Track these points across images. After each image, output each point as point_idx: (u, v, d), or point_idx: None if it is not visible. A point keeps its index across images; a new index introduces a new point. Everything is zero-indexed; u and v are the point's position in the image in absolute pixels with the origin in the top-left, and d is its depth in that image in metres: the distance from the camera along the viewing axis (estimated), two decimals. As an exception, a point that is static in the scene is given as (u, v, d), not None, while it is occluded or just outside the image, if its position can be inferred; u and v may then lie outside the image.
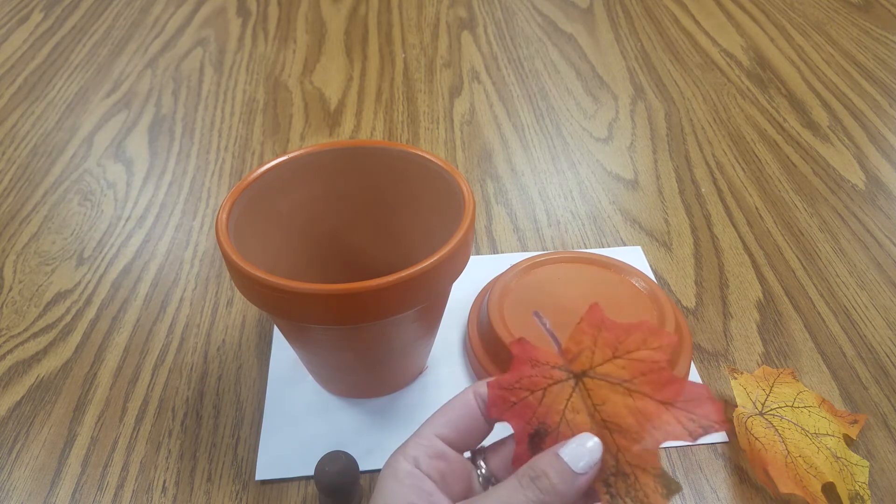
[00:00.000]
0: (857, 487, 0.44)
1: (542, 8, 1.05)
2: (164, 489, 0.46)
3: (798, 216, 0.67)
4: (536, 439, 0.31)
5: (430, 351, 0.52)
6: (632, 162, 0.74)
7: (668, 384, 0.30)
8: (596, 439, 0.30)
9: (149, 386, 0.52)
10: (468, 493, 0.33)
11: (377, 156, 0.50)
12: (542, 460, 0.30)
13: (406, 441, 0.33)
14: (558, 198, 0.70)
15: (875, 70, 0.89)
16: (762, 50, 0.94)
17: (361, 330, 0.42)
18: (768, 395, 0.48)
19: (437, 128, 0.80)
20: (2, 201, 0.70)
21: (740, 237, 0.65)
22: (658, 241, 0.64)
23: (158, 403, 0.51)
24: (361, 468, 0.46)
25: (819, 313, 0.57)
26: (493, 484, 0.34)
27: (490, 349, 0.51)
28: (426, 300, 0.42)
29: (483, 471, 0.34)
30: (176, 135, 0.79)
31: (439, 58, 0.93)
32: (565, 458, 0.29)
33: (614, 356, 0.31)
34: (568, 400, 0.31)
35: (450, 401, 0.34)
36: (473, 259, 0.62)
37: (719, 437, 0.48)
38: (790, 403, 0.47)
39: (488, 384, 0.33)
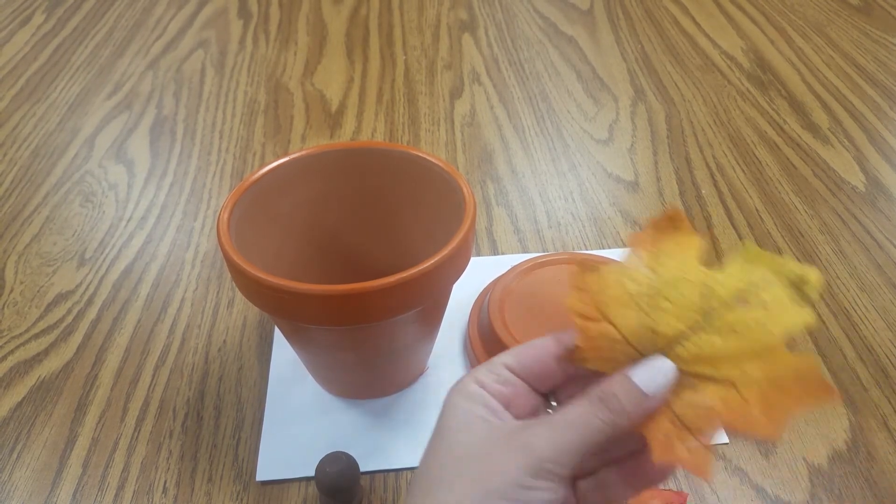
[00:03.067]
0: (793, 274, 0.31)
1: (542, 10, 1.05)
2: (164, 490, 0.46)
3: (798, 218, 0.67)
4: None
5: (430, 352, 0.52)
6: (632, 163, 0.74)
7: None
8: (669, 362, 0.30)
9: (150, 387, 0.52)
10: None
11: (378, 157, 0.50)
12: (612, 382, 0.30)
13: (475, 368, 0.34)
14: (559, 199, 0.70)
15: (875, 72, 0.89)
16: (762, 52, 0.94)
17: (362, 331, 0.42)
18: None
19: (438, 129, 0.80)
20: (3, 202, 0.70)
21: (741, 238, 0.65)
22: (658, 243, 0.64)
23: (159, 404, 0.51)
24: (362, 469, 0.46)
25: (819, 315, 0.57)
26: None
27: (491, 350, 0.51)
28: (427, 301, 0.42)
29: (554, 406, 0.35)
30: (177, 136, 0.79)
31: (440, 59, 0.93)
32: (636, 380, 0.30)
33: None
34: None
35: (529, 342, 0.34)
36: (474, 260, 0.62)
37: (720, 438, 0.48)
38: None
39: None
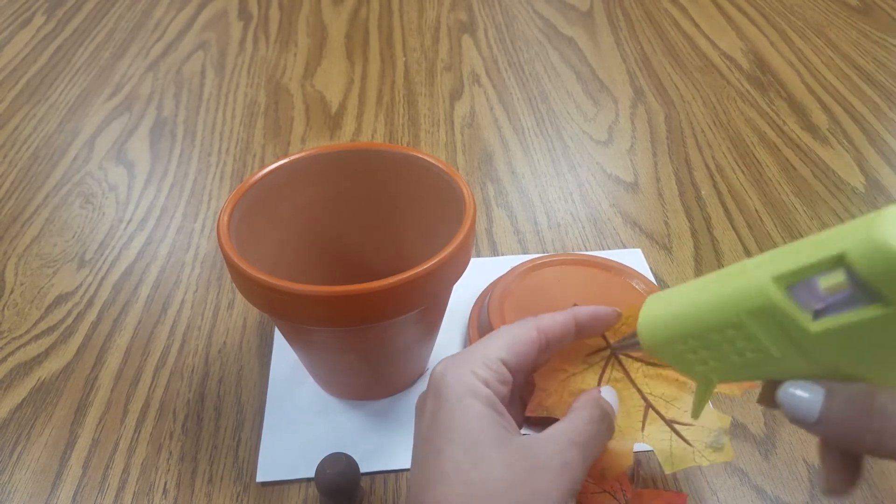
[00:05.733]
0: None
1: (542, 11, 1.06)
2: (165, 491, 0.46)
3: (798, 219, 0.67)
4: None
5: (430, 353, 0.52)
6: (632, 164, 0.74)
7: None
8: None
9: (150, 388, 0.52)
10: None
11: (378, 158, 0.50)
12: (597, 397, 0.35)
13: (467, 356, 0.33)
14: (558, 200, 0.70)
15: (874, 73, 0.89)
16: (762, 53, 0.94)
17: (362, 332, 0.42)
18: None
19: (438, 130, 0.80)
20: (4, 204, 0.70)
21: (740, 240, 0.65)
22: (658, 244, 0.64)
23: (159, 406, 0.51)
24: (362, 470, 0.46)
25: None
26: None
27: (490, 351, 0.51)
28: (427, 302, 0.42)
29: None
30: (177, 138, 0.79)
31: (440, 61, 0.93)
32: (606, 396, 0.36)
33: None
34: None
35: (509, 329, 0.35)
36: (474, 261, 0.62)
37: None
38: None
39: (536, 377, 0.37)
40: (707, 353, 0.29)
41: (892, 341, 0.23)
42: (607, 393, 0.36)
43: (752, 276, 0.26)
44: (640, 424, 0.37)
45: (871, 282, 0.22)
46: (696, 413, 0.33)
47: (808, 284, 0.24)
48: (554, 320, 0.35)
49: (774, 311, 0.25)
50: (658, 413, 0.37)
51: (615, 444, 0.37)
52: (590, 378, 0.38)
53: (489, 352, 0.33)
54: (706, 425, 0.36)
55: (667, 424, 0.36)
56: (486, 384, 0.32)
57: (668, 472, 0.36)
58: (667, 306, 0.30)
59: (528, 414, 0.37)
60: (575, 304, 0.37)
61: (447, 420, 0.31)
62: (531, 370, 0.37)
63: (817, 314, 0.24)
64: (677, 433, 0.36)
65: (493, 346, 0.34)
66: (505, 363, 0.33)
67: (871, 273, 0.22)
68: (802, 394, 0.26)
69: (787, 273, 0.24)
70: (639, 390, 0.37)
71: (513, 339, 0.34)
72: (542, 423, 0.37)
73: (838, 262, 0.22)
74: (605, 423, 0.34)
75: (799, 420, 0.27)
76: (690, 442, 0.35)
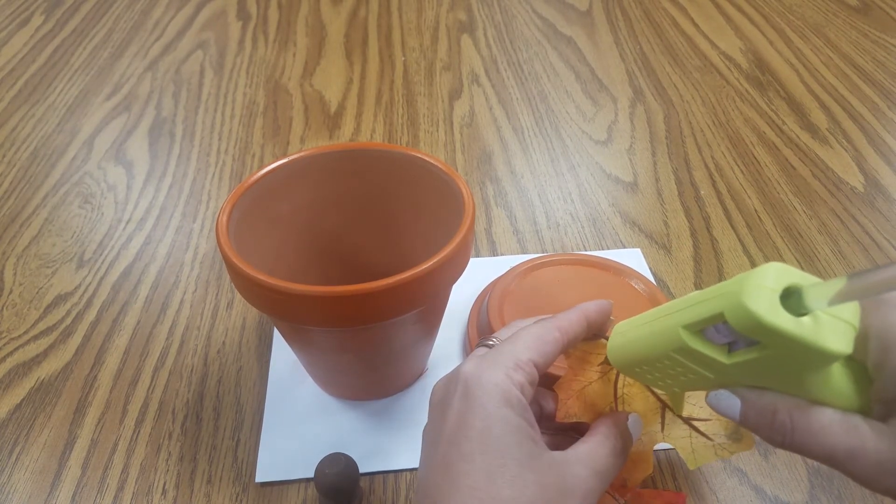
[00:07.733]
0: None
1: (541, 11, 1.06)
2: (164, 491, 0.46)
3: (797, 218, 0.67)
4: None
5: (430, 353, 0.52)
6: (631, 164, 0.74)
7: None
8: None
9: (149, 388, 0.52)
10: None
11: (377, 158, 0.50)
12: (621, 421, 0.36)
13: (498, 358, 0.33)
14: (558, 200, 0.70)
15: (873, 73, 0.89)
16: (761, 53, 0.94)
17: (361, 332, 0.42)
18: None
19: (437, 130, 0.80)
20: (2, 204, 0.70)
21: (739, 239, 0.65)
22: (657, 244, 0.64)
23: (158, 406, 0.51)
24: (361, 470, 0.46)
25: (818, 315, 0.57)
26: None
27: (490, 351, 0.51)
28: (426, 302, 0.42)
29: None
30: (176, 137, 0.79)
31: (439, 60, 0.93)
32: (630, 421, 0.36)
33: None
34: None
35: (531, 330, 0.35)
36: (473, 261, 0.62)
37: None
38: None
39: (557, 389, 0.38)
40: (659, 374, 0.33)
41: (777, 370, 0.28)
42: (633, 422, 0.36)
43: (672, 320, 0.30)
44: (660, 426, 0.38)
45: (744, 334, 0.27)
46: (677, 410, 0.37)
47: (716, 326, 0.29)
48: (570, 319, 0.36)
49: (691, 350, 0.29)
50: (674, 412, 0.37)
51: (636, 452, 0.38)
52: (607, 385, 0.39)
53: (519, 353, 0.34)
54: (722, 418, 0.37)
55: (684, 422, 0.37)
56: (520, 388, 0.33)
57: (691, 468, 0.37)
58: (622, 336, 0.34)
59: (557, 420, 0.37)
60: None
61: (480, 427, 0.31)
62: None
63: (732, 346, 0.29)
64: (696, 429, 0.37)
65: (522, 347, 0.34)
66: (536, 365, 0.34)
67: (741, 329, 0.27)
68: (723, 402, 0.30)
69: (690, 324, 0.29)
70: (653, 392, 0.38)
71: (538, 339, 0.35)
72: (559, 425, 0.39)
73: (721, 318, 0.27)
74: (625, 455, 0.35)
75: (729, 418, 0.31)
76: (710, 436, 0.37)
